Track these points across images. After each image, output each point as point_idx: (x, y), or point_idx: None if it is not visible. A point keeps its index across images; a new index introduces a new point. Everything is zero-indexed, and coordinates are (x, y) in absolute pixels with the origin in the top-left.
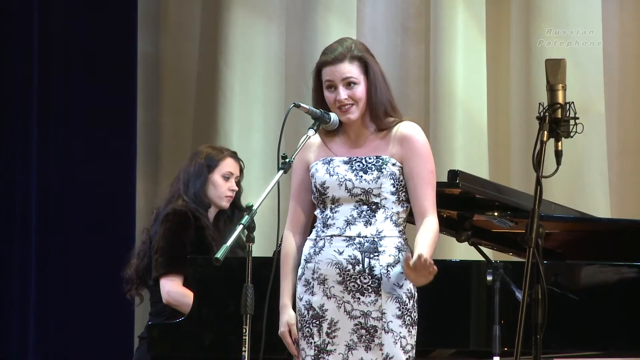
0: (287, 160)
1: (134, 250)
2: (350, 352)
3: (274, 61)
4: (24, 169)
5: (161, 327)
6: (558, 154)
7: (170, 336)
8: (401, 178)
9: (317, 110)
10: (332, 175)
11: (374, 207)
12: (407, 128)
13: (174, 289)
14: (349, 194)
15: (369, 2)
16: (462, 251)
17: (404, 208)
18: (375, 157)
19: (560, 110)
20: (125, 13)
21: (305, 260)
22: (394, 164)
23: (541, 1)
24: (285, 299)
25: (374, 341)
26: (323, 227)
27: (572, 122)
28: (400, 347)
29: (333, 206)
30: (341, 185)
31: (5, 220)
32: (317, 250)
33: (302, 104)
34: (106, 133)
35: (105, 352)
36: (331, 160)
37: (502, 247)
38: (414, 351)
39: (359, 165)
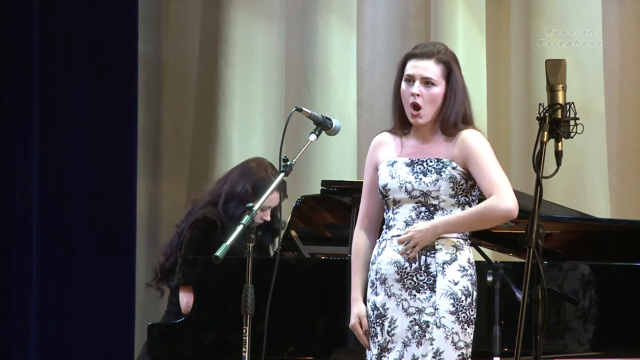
0: (288, 163)
1: (164, 244)
2: (405, 349)
3: (274, 61)
4: (25, 168)
5: (161, 327)
6: (558, 155)
7: (170, 337)
8: (462, 182)
9: (319, 115)
10: (394, 178)
11: (432, 208)
12: (467, 133)
13: (192, 301)
14: (408, 195)
15: (369, 2)
16: None
17: (464, 210)
18: (436, 160)
19: (560, 110)
20: (126, 13)
21: (371, 262)
22: (454, 168)
23: (541, 1)
24: (356, 293)
25: (425, 336)
26: (386, 229)
27: (572, 122)
28: (452, 342)
29: (394, 207)
30: (401, 187)
31: (5, 220)
32: (380, 251)
33: (303, 108)
34: (107, 133)
35: (105, 352)
36: (395, 162)
37: (502, 248)
38: (468, 349)
39: (420, 168)
